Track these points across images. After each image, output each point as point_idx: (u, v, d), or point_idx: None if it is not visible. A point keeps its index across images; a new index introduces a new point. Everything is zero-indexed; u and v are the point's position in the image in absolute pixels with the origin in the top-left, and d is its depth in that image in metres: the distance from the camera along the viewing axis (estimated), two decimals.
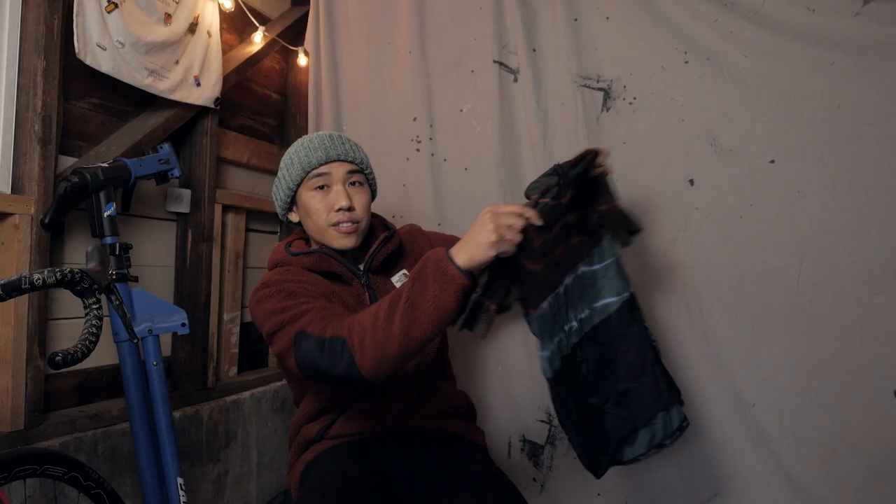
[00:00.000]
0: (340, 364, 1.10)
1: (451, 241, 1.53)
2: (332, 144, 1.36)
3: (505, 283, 1.16)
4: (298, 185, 1.37)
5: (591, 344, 1.28)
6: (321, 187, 1.35)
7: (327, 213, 1.34)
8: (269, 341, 1.27)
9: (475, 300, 1.11)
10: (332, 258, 1.36)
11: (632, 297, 1.29)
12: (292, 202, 1.41)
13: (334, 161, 1.35)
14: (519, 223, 1.10)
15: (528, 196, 1.22)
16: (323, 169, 1.35)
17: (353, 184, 1.37)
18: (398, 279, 1.43)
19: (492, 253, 1.07)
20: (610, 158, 1.31)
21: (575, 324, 1.27)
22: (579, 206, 1.28)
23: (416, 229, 1.56)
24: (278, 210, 1.45)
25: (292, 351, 1.18)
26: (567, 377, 1.25)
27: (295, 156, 1.37)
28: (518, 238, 1.10)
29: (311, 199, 1.36)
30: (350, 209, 1.34)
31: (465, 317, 1.12)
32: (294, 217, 1.43)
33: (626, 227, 1.33)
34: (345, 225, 1.35)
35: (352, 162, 1.37)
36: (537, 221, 1.14)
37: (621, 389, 1.26)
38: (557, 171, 1.23)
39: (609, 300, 1.29)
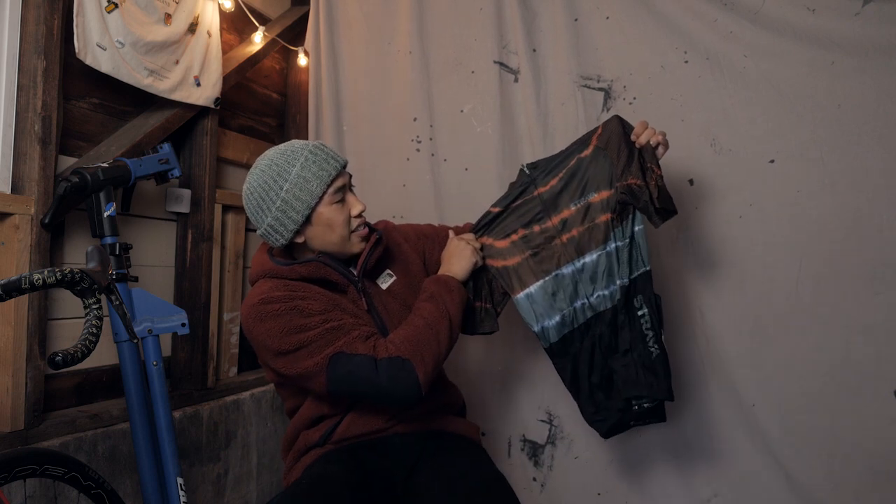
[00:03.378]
0: (404, 383, 1.20)
1: (422, 230, 1.60)
2: (333, 154, 1.32)
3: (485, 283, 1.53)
4: (318, 203, 1.28)
5: (600, 323, 1.45)
6: (342, 200, 1.31)
7: (348, 222, 1.32)
8: (278, 360, 1.23)
9: (473, 306, 1.49)
10: (330, 266, 1.32)
11: (632, 284, 1.42)
12: (304, 224, 1.30)
13: (342, 168, 1.32)
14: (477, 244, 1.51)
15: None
16: (340, 181, 1.30)
17: (351, 188, 1.37)
18: (383, 280, 1.42)
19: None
20: None
21: (587, 300, 1.45)
22: (603, 185, 1.45)
23: (391, 226, 1.54)
24: (282, 238, 1.30)
25: (324, 372, 1.20)
26: (569, 350, 1.47)
27: (307, 172, 1.26)
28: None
29: (334, 212, 1.30)
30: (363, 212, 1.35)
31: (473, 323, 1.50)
32: (300, 238, 1.32)
33: (654, 205, 1.37)
34: (362, 228, 1.35)
35: (345, 167, 1.35)
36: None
37: (610, 370, 1.44)
38: (522, 172, 1.53)
39: (613, 286, 1.44)
